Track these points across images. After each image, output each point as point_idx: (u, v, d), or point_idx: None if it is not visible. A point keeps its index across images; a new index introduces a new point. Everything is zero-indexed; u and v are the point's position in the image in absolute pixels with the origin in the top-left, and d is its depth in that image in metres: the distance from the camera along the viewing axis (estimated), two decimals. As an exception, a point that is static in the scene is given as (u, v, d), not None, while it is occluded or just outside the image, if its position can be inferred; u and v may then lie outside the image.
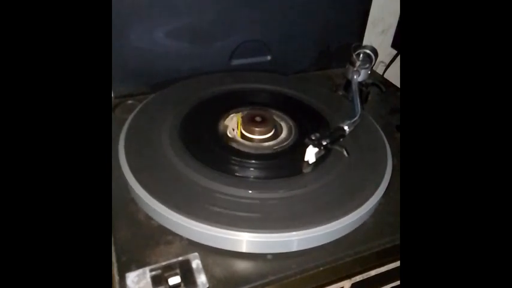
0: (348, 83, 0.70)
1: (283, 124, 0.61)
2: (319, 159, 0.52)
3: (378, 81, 0.74)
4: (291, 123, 0.61)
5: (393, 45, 0.93)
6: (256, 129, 0.57)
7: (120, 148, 0.52)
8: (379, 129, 0.61)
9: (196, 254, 0.40)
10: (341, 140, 0.55)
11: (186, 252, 0.41)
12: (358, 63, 0.68)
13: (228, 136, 0.57)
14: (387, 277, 0.51)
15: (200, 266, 0.39)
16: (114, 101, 0.67)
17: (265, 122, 0.58)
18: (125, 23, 0.63)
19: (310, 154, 0.51)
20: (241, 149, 0.55)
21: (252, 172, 0.50)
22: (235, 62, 0.75)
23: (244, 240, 0.42)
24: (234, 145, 0.55)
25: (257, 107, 0.63)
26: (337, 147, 0.53)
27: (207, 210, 0.43)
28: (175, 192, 0.45)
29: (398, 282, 0.53)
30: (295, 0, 0.72)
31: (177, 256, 0.40)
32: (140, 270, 0.38)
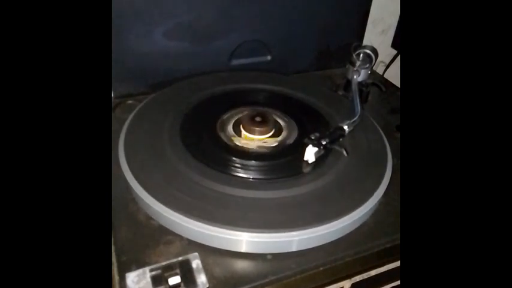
0: (348, 83, 0.70)
1: (283, 124, 0.61)
2: (319, 159, 0.52)
3: (378, 81, 0.74)
4: (290, 123, 0.61)
5: (393, 45, 0.93)
6: (256, 129, 0.57)
7: (120, 148, 0.52)
8: (379, 129, 0.61)
9: (196, 254, 0.40)
10: (341, 139, 0.55)
11: (186, 252, 0.41)
12: (358, 63, 0.68)
13: (228, 136, 0.57)
14: (387, 277, 0.51)
15: (200, 266, 0.39)
16: (114, 101, 0.67)
17: (265, 122, 0.58)
18: (125, 23, 0.63)
19: (310, 154, 0.51)
20: (241, 149, 0.55)
21: (251, 172, 0.50)
22: (235, 62, 0.75)
23: (244, 240, 0.42)
24: (234, 145, 0.55)
25: (257, 107, 0.63)
26: (336, 147, 0.53)
27: (207, 210, 0.43)
28: (175, 192, 0.45)
29: (398, 282, 0.53)
30: (295, 0, 0.72)
31: (177, 256, 0.40)
32: (140, 270, 0.38)
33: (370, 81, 0.71)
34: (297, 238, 0.42)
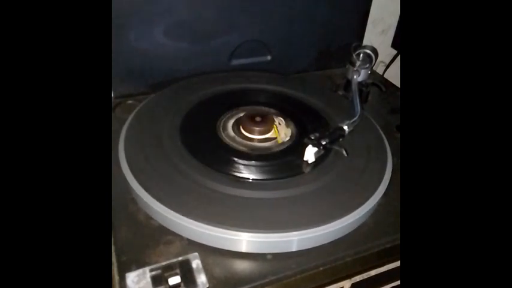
0: (348, 83, 0.70)
1: (283, 124, 0.61)
2: (319, 159, 0.52)
3: (378, 81, 0.74)
4: (290, 123, 0.61)
5: (393, 45, 0.93)
6: (256, 129, 0.57)
7: (120, 148, 0.52)
8: (379, 129, 0.61)
9: (196, 254, 0.40)
10: (340, 139, 0.55)
11: (186, 252, 0.41)
12: (358, 63, 0.68)
13: (228, 136, 0.57)
14: (387, 277, 0.51)
15: (200, 266, 0.39)
16: (114, 101, 0.67)
17: (265, 122, 0.58)
18: (125, 23, 0.63)
19: (310, 154, 0.51)
20: (241, 149, 0.55)
21: (251, 172, 0.50)
22: (235, 62, 0.75)
23: (244, 240, 0.42)
24: (234, 145, 0.55)
25: (257, 107, 0.63)
26: (336, 147, 0.53)
27: (207, 210, 0.43)
28: (175, 192, 0.45)
29: (398, 282, 0.53)
30: (295, 0, 0.72)
31: (177, 256, 0.40)
32: (140, 270, 0.38)
33: (370, 81, 0.71)
34: (297, 238, 0.42)
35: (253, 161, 0.52)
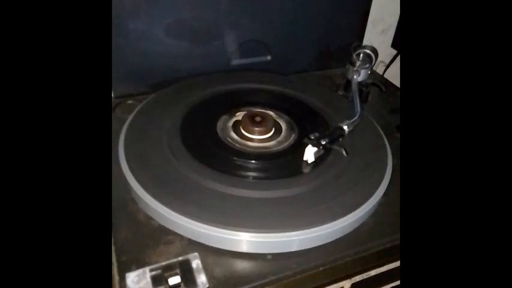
0: (348, 83, 0.70)
1: (283, 124, 0.61)
2: (319, 159, 0.52)
3: (378, 81, 0.74)
4: (290, 123, 0.61)
5: (393, 45, 0.93)
6: (256, 129, 0.57)
7: (120, 148, 0.52)
8: (379, 129, 0.61)
9: (196, 254, 0.40)
10: (340, 139, 0.55)
11: (186, 252, 0.41)
12: (358, 63, 0.68)
13: (228, 136, 0.57)
14: (387, 277, 0.51)
15: (200, 266, 0.39)
16: (114, 101, 0.67)
17: (265, 122, 0.58)
18: (125, 23, 0.63)
19: (309, 154, 0.51)
20: (241, 149, 0.55)
21: (251, 172, 0.50)
22: (235, 62, 0.75)
23: (244, 240, 0.42)
24: (234, 145, 0.55)
25: (257, 107, 0.63)
26: (336, 147, 0.53)
27: (207, 210, 0.43)
28: (175, 192, 0.45)
29: (398, 282, 0.53)
30: (295, 0, 0.72)
31: (177, 256, 0.40)
32: (140, 270, 0.38)
33: (370, 81, 0.71)
34: (297, 238, 0.42)
35: (253, 161, 0.52)
